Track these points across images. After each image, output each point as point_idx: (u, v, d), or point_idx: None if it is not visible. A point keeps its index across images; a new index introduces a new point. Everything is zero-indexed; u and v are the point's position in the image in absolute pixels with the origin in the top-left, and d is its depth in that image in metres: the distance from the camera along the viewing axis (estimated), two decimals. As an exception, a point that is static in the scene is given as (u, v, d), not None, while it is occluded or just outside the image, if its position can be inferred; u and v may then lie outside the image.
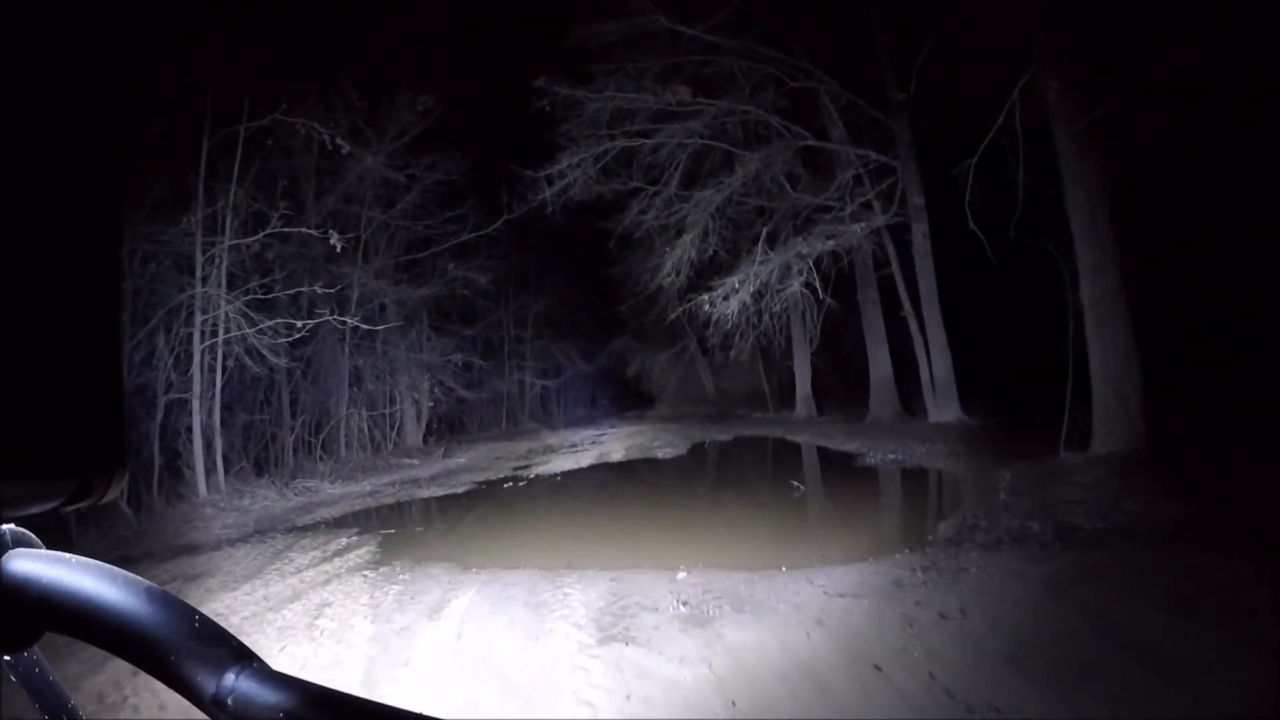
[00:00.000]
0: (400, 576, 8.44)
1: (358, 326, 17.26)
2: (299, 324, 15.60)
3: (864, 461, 14.74)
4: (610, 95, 18.83)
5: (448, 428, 29.47)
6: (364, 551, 10.01)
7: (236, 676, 0.52)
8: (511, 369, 32.60)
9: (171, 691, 0.54)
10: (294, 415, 19.40)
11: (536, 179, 19.88)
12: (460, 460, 20.56)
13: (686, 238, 19.95)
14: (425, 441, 24.09)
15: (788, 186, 19.28)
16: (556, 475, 16.30)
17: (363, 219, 20.81)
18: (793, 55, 18.95)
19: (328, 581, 8.54)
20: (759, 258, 18.69)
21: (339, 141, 15.42)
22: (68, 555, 0.57)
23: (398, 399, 22.91)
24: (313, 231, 15.48)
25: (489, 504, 13.54)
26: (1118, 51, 11.00)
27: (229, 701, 0.51)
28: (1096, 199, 11.60)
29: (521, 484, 15.49)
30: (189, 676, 0.52)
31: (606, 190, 21.50)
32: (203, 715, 0.53)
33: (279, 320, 15.55)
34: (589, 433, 26.29)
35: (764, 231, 19.26)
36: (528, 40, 20.90)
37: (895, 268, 20.04)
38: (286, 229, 15.21)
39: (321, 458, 19.06)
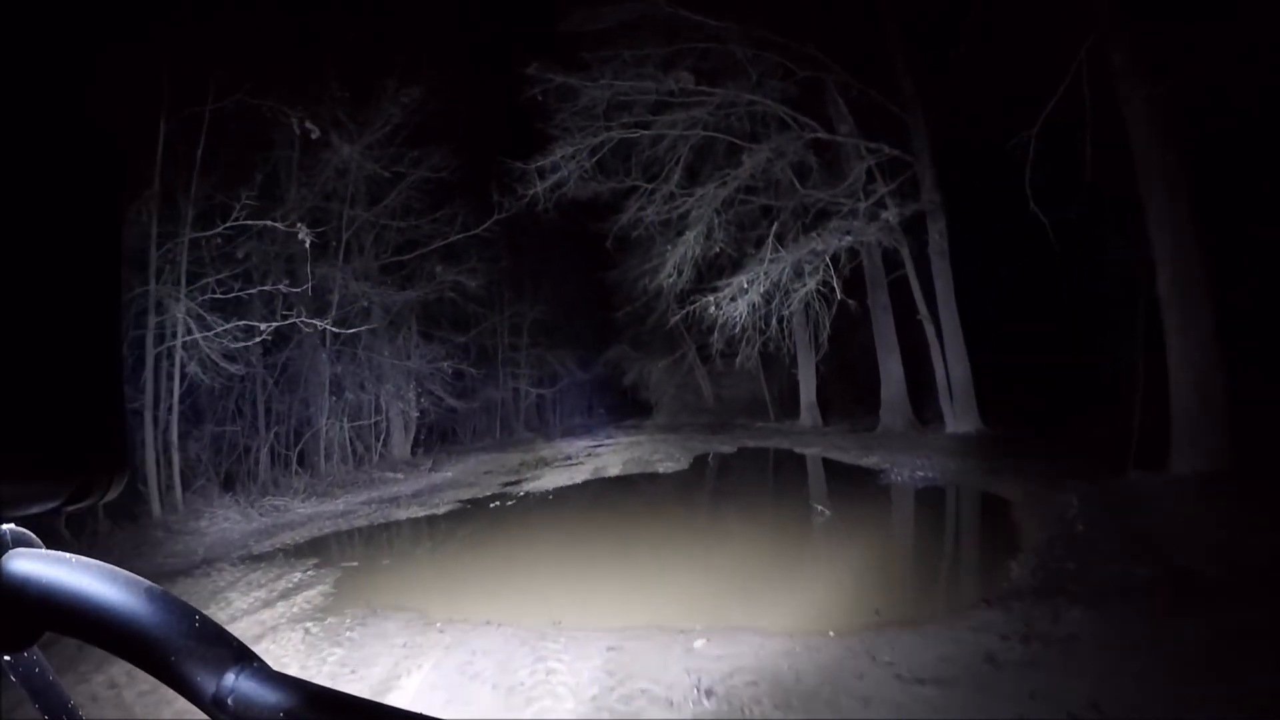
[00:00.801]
0: (348, 634, 6.57)
1: (329, 330, 15.20)
2: (262, 327, 13.63)
3: (890, 479, 12.89)
4: (607, 83, 16.96)
5: (439, 438, 27.63)
6: (316, 593, 8.15)
7: (237, 676, 0.50)
8: (506, 377, 30.72)
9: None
10: (269, 426, 17.49)
11: (527, 171, 17.95)
12: (447, 474, 18.66)
13: (690, 235, 18.04)
14: (413, 453, 22.19)
15: (796, 183, 17.42)
16: (548, 493, 14.41)
17: (344, 217, 18.91)
18: (800, 41, 17.13)
19: (259, 637, 6.69)
20: (769, 255, 16.81)
21: (308, 125, 13.58)
22: (68, 555, 0.54)
23: (383, 408, 20.98)
24: (278, 225, 13.52)
25: (470, 529, 11.67)
26: (1194, 5, 9.18)
27: (229, 701, 0.48)
28: (1174, 175, 9.75)
29: (509, 503, 13.59)
30: (189, 676, 0.50)
31: (603, 189, 19.69)
32: (203, 715, 0.50)
33: (237, 323, 13.53)
34: (585, 443, 24.36)
35: (773, 228, 17.32)
36: (521, 29, 18.97)
37: (910, 268, 18.18)
38: (249, 221, 13.27)
39: (298, 472, 17.13)
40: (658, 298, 24.09)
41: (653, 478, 15.52)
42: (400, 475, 18.48)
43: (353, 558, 9.84)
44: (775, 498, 13.29)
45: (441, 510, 13.30)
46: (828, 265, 16.54)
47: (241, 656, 0.52)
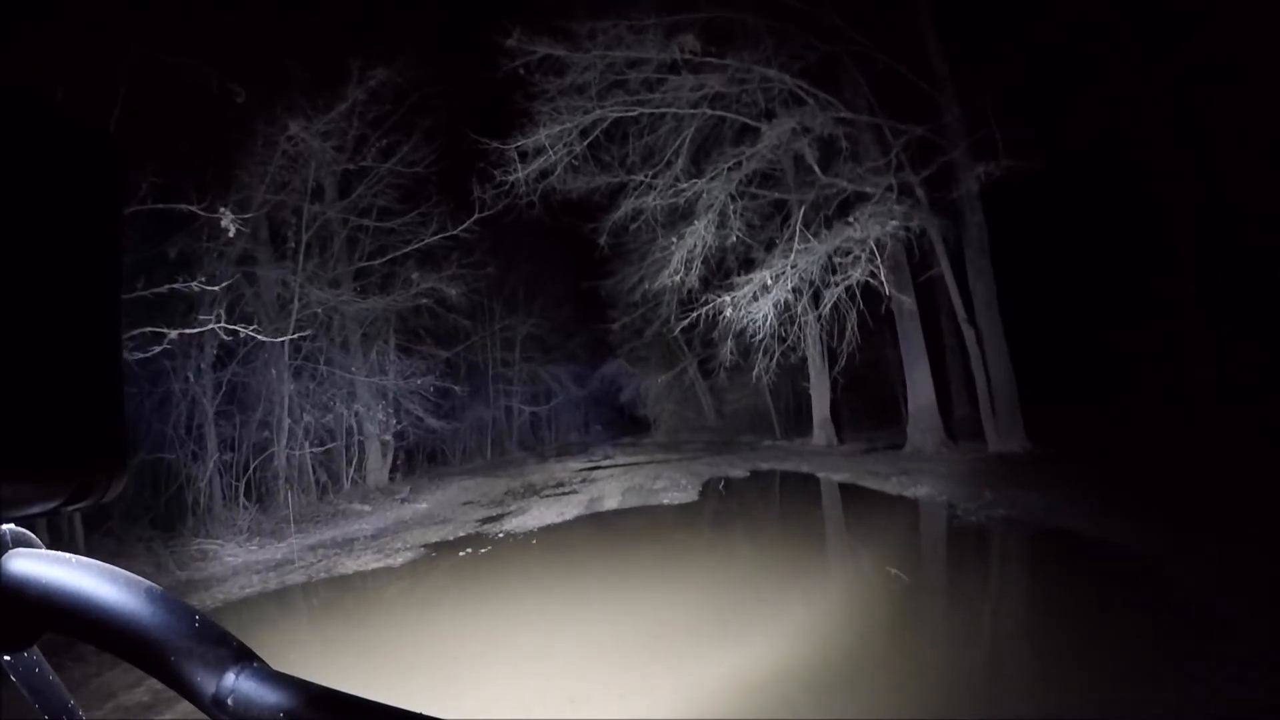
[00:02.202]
0: None
1: (250, 336, 11.97)
2: (171, 334, 10.39)
3: (960, 518, 9.75)
4: (600, 53, 13.90)
5: (426, 459, 24.54)
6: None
7: (237, 676, 0.49)
8: (497, 394, 27.64)
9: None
10: (219, 453, 14.34)
11: (506, 152, 14.79)
12: (421, 506, 15.51)
13: (700, 223, 14.86)
14: (392, 478, 19.05)
15: (817, 169, 14.29)
16: (531, 534, 11.29)
17: (304, 213, 15.80)
18: (820, 9, 14.12)
19: None
20: (796, 245, 13.65)
21: (232, 87, 10.52)
22: (68, 555, 0.53)
23: (354, 430, 17.79)
24: (194, 209, 10.37)
25: (423, 596, 8.55)
26: None
27: (229, 701, 0.47)
28: None
29: (482, 551, 10.45)
30: (189, 676, 0.49)
31: (596, 185, 16.70)
32: (203, 715, 0.49)
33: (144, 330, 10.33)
34: (579, 465, 21.13)
35: (800, 214, 14.16)
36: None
37: (945, 265, 15.09)
38: (160, 205, 10.14)
39: (245, 507, 13.90)
40: (657, 307, 21.10)
41: (657, 513, 12.39)
42: (367, 508, 15.32)
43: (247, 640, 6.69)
44: (820, 548, 9.57)
45: (399, 561, 10.17)
46: (872, 253, 13.36)
47: (241, 656, 0.49)
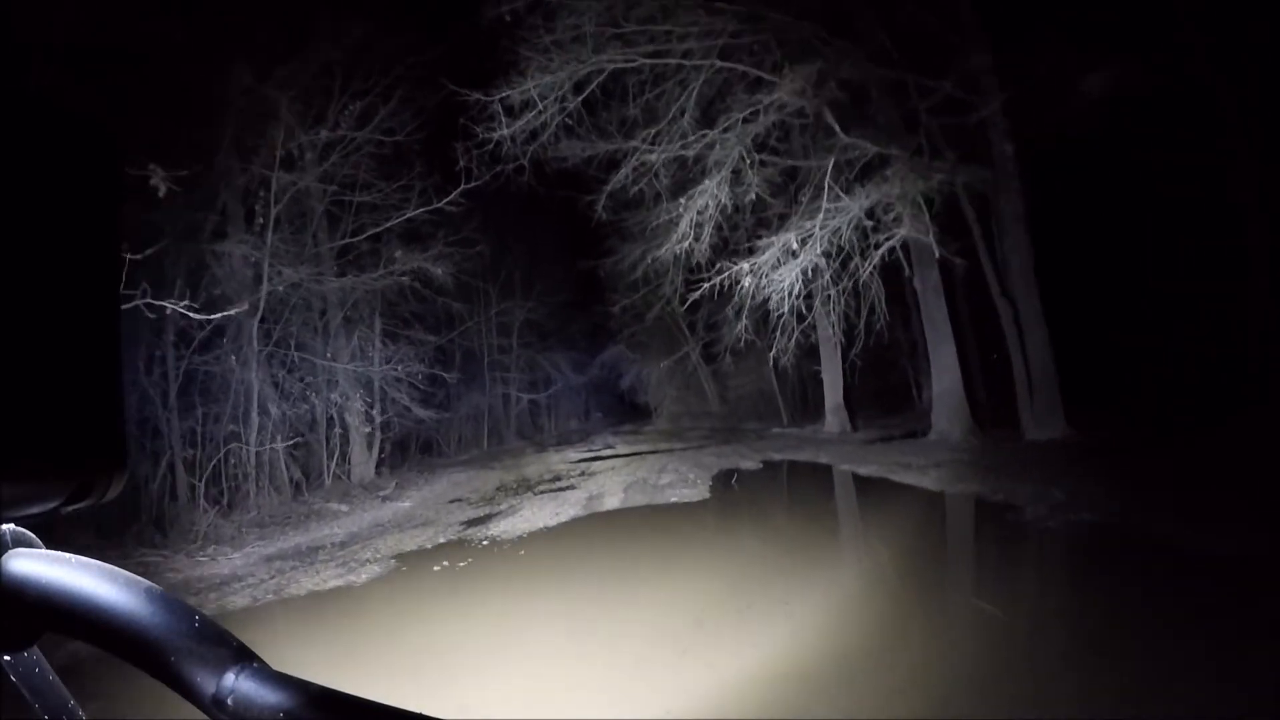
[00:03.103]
0: None
1: (184, 314, 9.98)
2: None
3: (1034, 524, 7.83)
4: (596, -5, 11.91)
5: (421, 450, 22.69)
6: None
7: (237, 676, 0.48)
8: (494, 382, 25.71)
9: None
10: (182, 449, 12.48)
11: (489, 103, 12.81)
12: (404, 504, 13.64)
13: (711, 182, 12.85)
14: (379, 472, 17.17)
15: (837, 128, 12.29)
16: (520, 544, 9.41)
17: (273, 182, 13.86)
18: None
19: None
20: (826, 204, 11.69)
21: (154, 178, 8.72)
22: (68, 555, 0.52)
23: (335, 422, 15.91)
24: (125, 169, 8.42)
25: (379, 629, 6.62)
26: None
27: (229, 701, 0.46)
28: None
29: (462, 565, 8.56)
30: (189, 676, 0.48)
31: (592, 151, 14.72)
32: (203, 715, 0.48)
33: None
34: (578, 455, 19.27)
35: (828, 167, 12.16)
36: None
37: (977, 235, 13.16)
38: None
39: (206, 509, 12.01)
40: (658, 288, 19.25)
41: (665, 515, 10.52)
42: (344, 508, 13.46)
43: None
44: (875, 570, 7.34)
45: (362, 578, 8.32)
46: (919, 206, 11.43)
47: (241, 656, 0.49)
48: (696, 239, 13.32)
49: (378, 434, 17.31)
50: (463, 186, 15.12)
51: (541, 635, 5.89)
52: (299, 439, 15.10)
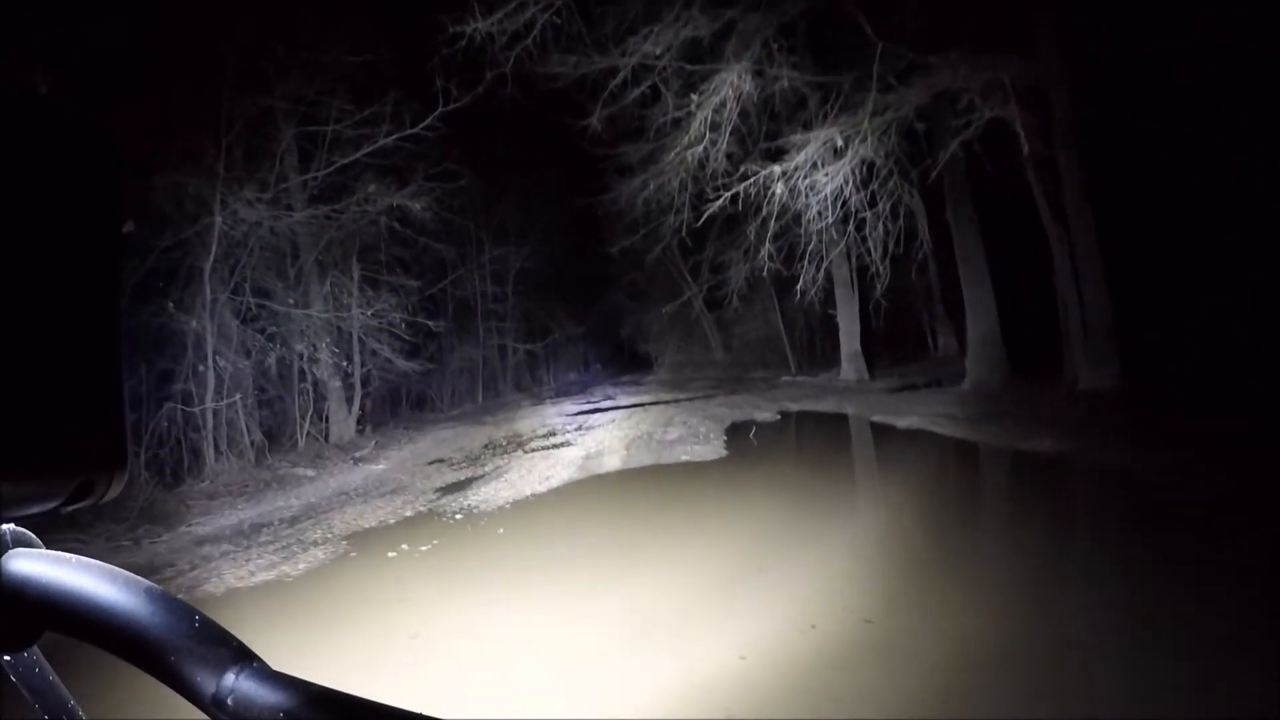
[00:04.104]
0: None
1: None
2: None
3: (1167, 498, 5.83)
4: None
5: (413, 406, 20.78)
6: None
7: (237, 676, 0.46)
8: (488, 333, 23.63)
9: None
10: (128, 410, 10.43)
11: None
12: (379, 467, 11.72)
13: (728, 74, 10.50)
14: (361, 431, 15.21)
15: (869, 30, 10.03)
16: (499, 520, 7.43)
17: (223, 111, 11.68)
18: None
19: None
20: (875, 94, 9.46)
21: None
22: (68, 555, 0.49)
23: (308, 377, 13.88)
24: None
25: (295, 650, 4.62)
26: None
27: (229, 701, 0.45)
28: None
29: (424, 549, 6.60)
30: (189, 676, 0.46)
31: (586, 67, 12.46)
32: (203, 715, 0.46)
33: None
34: (576, 408, 17.23)
35: (876, 58, 9.82)
36: None
37: (1026, 155, 10.96)
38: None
39: (148, 482, 10.00)
40: (659, 227, 17.01)
41: (676, 479, 8.56)
42: (311, 473, 11.55)
43: None
44: (957, 554, 5.19)
45: (300, 568, 6.40)
46: (1006, 91, 9.24)
47: (241, 656, 0.47)
48: (713, 143, 10.98)
49: (358, 389, 15.32)
50: (440, 109, 12.95)
51: (510, 674, 3.92)
52: (265, 395, 13.16)
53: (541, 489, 8.51)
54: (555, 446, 11.52)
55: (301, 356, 13.36)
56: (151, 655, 0.46)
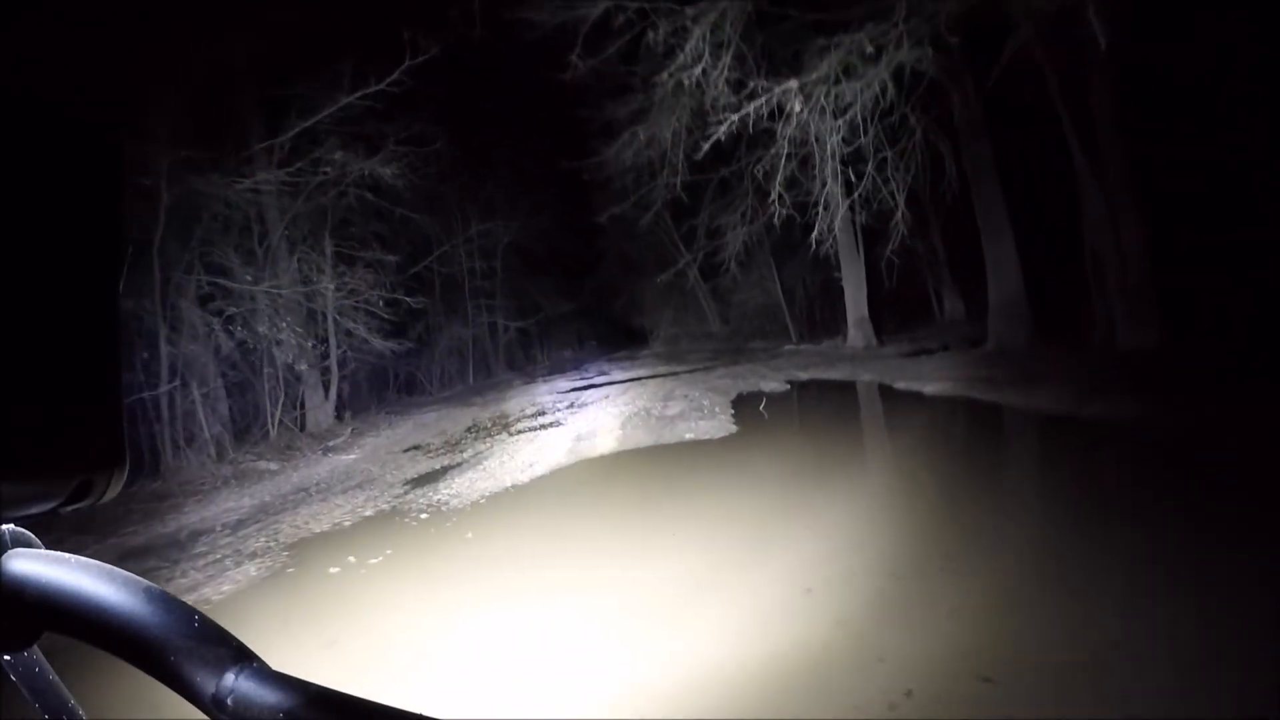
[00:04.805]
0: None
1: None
2: None
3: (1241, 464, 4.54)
4: None
5: (402, 389, 19.48)
6: None
7: (236, 676, 0.44)
8: (477, 310, 22.19)
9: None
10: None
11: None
12: (349, 457, 10.38)
13: None
14: (340, 417, 13.87)
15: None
16: (469, 519, 6.09)
17: (173, 72, 10.24)
18: None
19: None
20: None
21: None
22: (68, 555, 0.48)
23: (276, 362, 12.49)
24: None
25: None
26: None
27: (229, 701, 0.43)
28: None
29: (373, 562, 5.27)
30: (188, 676, 0.45)
31: (567, 10, 10.98)
32: (202, 715, 0.45)
33: None
34: (569, 385, 15.81)
35: None
36: None
37: (1054, 84, 9.55)
38: None
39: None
40: (650, 192, 15.61)
41: (679, 462, 7.20)
42: (274, 466, 10.25)
43: None
44: (1058, 560, 3.75)
45: (224, 590, 5.12)
46: None
47: (241, 656, 0.46)
48: (714, 61, 9.39)
49: (334, 372, 13.95)
50: (408, 63, 11.49)
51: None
52: (233, 383, 11.82)
53: (523, 478, 7.17)
54: (543, 427, 10.17)
55: (266, 340, 11.93)
56: (151, 655, 0.44)
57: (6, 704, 0.50)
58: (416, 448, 10.21)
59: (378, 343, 14.14)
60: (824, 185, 9.23)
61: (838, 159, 8.90)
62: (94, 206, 0.48)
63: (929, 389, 8.80)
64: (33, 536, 0.50)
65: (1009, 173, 11.79)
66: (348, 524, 6.47)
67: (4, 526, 0.48)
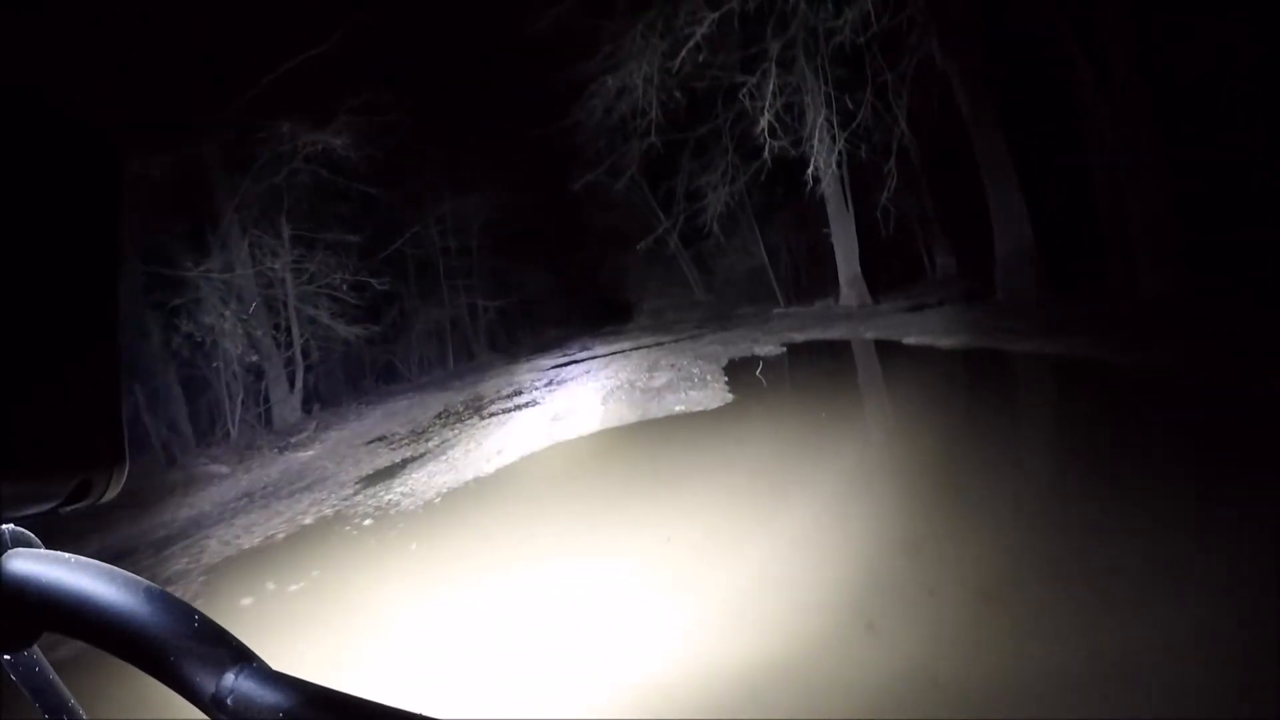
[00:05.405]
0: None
1: None
2: None
3: None
4: None
5: (381, 377, 18.39)
6: None
7: (236, 676, 0.42)
8: (454, 291, 20.93)
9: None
10: None
11: None
12: (306, 455, 9.29)
13: None
14: (308, 410, 12.73)
15: None
16: (418, 524, 5.03)
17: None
18: None
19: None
20: None
21: None
22: (68, 555, 0.47)
23: (228, 355, 11.30)
24: None
25: None
26: None
27: (229, 701, 0.42)
28: None
29: (292, 591, 4.20)
30: (188, 676, 0.43)
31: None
32: (202, 715, 0.43)
33: None
34: (551, 363, 14.59)
35: None
36: None
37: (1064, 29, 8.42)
38: None
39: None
40: (626, 152, 14.48)
41: (669, 439, 6.11)
42: (225, 469, 9.09)
43: None
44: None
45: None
46: None
47: (241, 656, 0.44)
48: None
49: (298, 363, 12.79)
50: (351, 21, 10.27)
51: None
52: (186, 378, 10.68)
53: (488, 469, 6.09)
54: (518, 408, 9.07)
55: (214, 332, 10.75)
56: (151, 655, 0.42)
57: (6, 704, 0.46)
58: (381, 439, 9.10)
59: (342, 329, 12.97)
60: (816, 117, 8.09)
61: (830, 83, 7.77)
62: (92, 206, 0.45)
63: (945, 343, 7.73)
64: (33, 536, 0.47)
65: (1011, 118, 10.68)
66: (281, 536, 5.39)
67: (4, 526, 0.45)
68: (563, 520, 4.55)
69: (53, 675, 0.51)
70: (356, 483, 6.73)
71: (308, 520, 5.69)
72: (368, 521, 5.23)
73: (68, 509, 0.45)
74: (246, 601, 4.07)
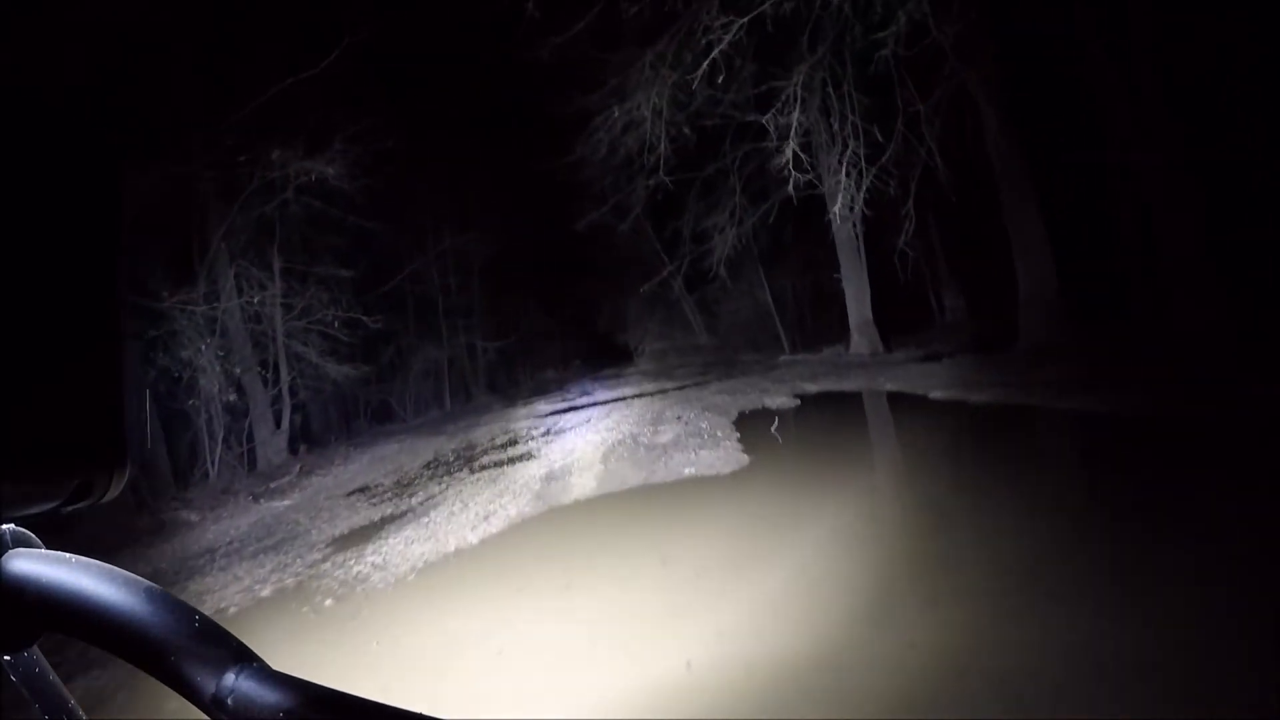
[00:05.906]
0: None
1: None
2: None
3: None
4: None
5: (375, 417, 17.69)
6: None
7: (236, 676, 0.43)
8: (453, 330, 20.22)
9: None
10: None
11: None
12: (281, 504, 8.47)
13: None
14: (295, 451, 11.93)
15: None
16: (383, 613, 4.19)
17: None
18: None
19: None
20: None
21: None
22: (68, 555, 0.47)
23: (208, 393, 10.55)
24: None
25: None
26: None
27: (229, 701, 0.42)
28: None
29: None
30: (189, 676, 0.43)
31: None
32: (202, 715, 0.43)
33: None
34: (549, 408, 13.78)
35: None
36: None
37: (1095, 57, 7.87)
38: None
39: None
40: (631, 192, 13.90)
41: (680, 511, 5.29)
42: (195, 518, 8.30)
43: None
44: None
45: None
46: None
47: (241, 656, 0.44)
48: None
49: (286, 402, 12.03)
50: (348, 40, 9.71)
51: None
52: (164, 414, 9.92)
53: (472, 539, 5.27)
54: (511, 461, 8.27)
55: (190, 368, 10.01)
56: (151, 655, 0.42)
57: (7, 704, 0.47)
58: (363, 490, 8.29)
59: (332, 368, 12.23)
60: (845, 147, 7.45)
61: (857, 112, 7.16)
62: (93, 208, 0.46)
63: (977, 398, 6.97)
64: (33, 536, 0.48)
65: (1033, 153, 10.08)
66: (232, 611, 4.59)
67: (4, 526, 0.46)
68: (550, 621, 3.71)
69: (53, 675, 0.50)
70: (328, 545, 5.91)
71: (265, 592, 4.86)
72: (329, 601, 4.41)
73: (68, 509, 0.44)
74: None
